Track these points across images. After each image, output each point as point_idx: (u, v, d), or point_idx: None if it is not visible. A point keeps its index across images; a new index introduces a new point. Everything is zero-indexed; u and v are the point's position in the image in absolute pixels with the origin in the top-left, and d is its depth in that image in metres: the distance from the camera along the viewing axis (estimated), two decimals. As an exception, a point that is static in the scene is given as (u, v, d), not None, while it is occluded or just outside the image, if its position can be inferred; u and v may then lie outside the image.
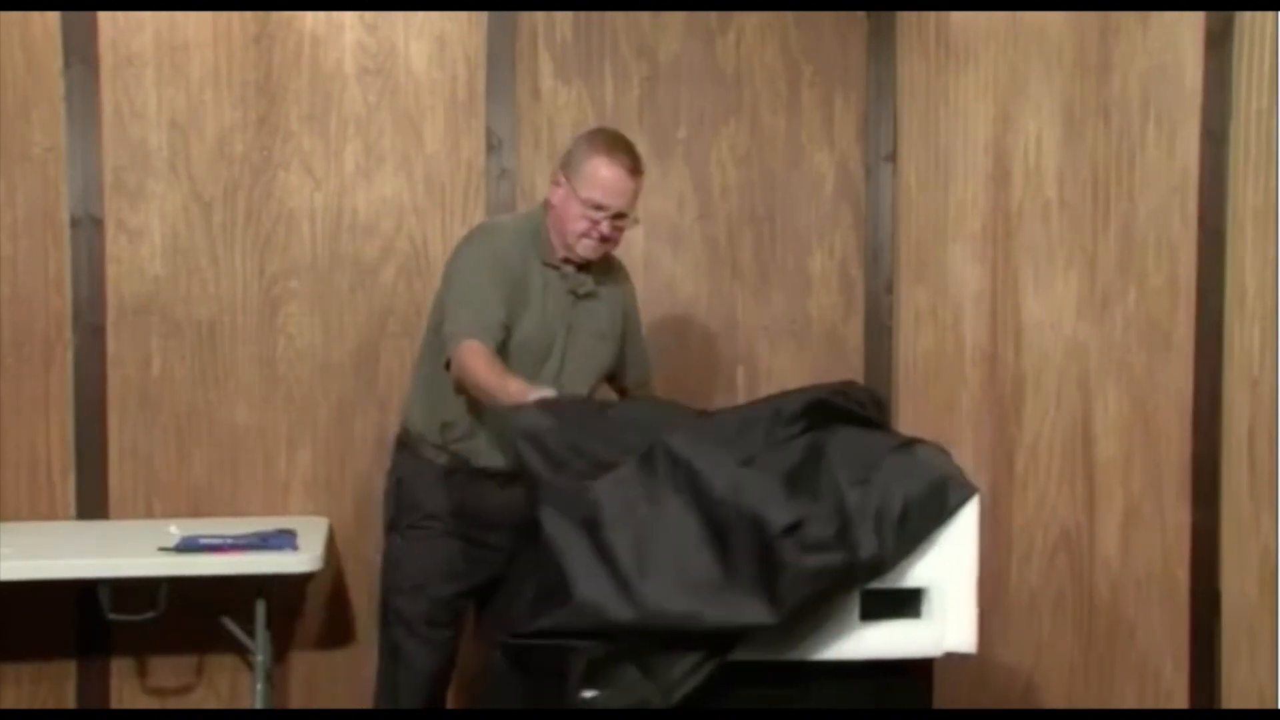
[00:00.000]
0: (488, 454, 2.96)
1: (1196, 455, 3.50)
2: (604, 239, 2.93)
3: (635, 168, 2.94)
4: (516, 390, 2.67)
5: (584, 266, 2.99)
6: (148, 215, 3.42)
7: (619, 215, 2.92)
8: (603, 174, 2.89)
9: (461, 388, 2.86)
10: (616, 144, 2.95)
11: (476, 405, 2.89)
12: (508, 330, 2.86)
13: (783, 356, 3.68)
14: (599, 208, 2.89)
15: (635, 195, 2.95)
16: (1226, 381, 3.45)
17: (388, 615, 3.04)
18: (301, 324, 3.49)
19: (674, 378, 3.65)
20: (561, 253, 2.96)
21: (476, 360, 2.75)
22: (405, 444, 3.08)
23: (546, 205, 2.99)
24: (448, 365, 2.84)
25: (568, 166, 2.94)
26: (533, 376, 2.83)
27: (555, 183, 2.96)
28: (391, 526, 3.06)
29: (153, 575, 3.01)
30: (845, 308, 3.72)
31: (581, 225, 2.90)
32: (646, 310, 3.62)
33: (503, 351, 2.83)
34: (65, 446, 3.41)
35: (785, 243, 3.70)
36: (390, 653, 3.03)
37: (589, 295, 3.01)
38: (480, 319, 2.82)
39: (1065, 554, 3.64)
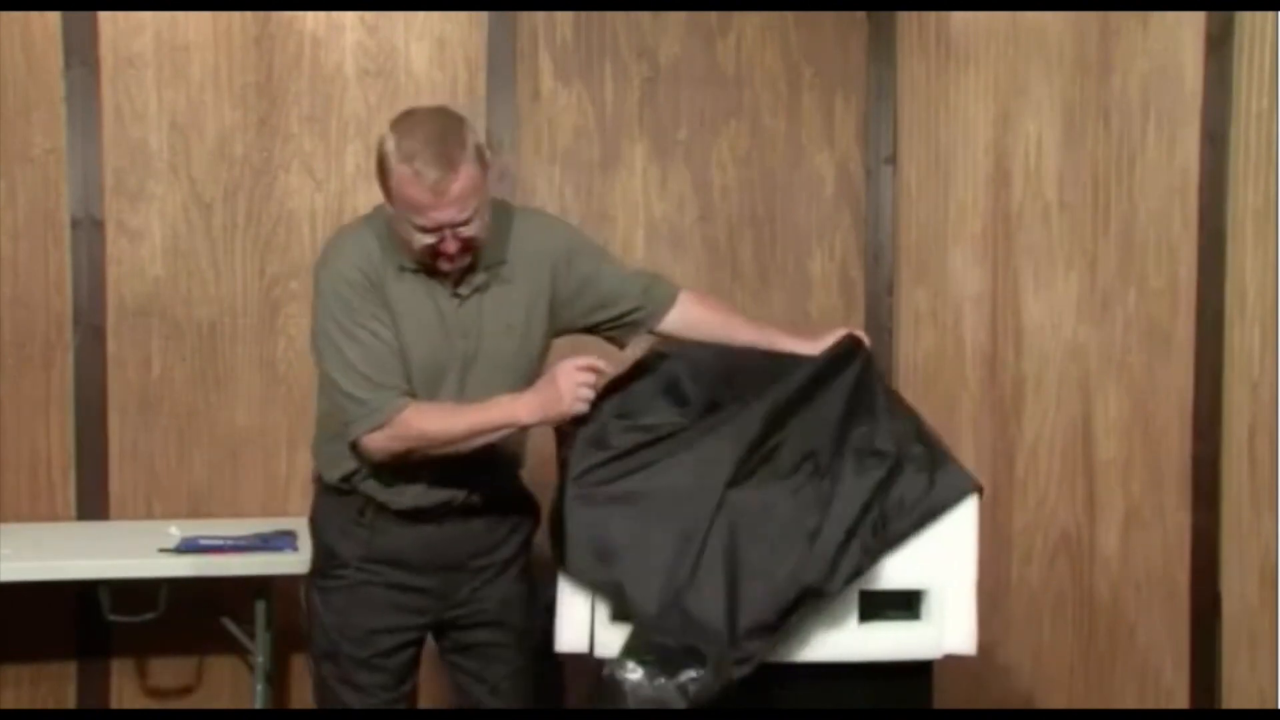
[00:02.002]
0: (397, 492, 2.51)
1: (1197, 456, 3.50)
2: (460, 253, 2.38)
3: (449, 169, 2.29)
4: (497, 415, 2.38)
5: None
6: (148, 216, 3.42)
7: (461, 223, 2.34)
8: (411, 194, 2.30)
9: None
10: (417, 146, 2.31)
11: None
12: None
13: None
14: (427, 230, 2.33)
15: (470, 194, 2.32)
16: (1227, 383, 3.45)
17: (315, 684, 2.64)
18: (302, 325, 3.48)
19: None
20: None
21: (414, 438, 2.38)
22: (317, 483, 2.64)
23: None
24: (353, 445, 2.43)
25: (380, 174, 2.35)
26: (431, 399, 2.46)
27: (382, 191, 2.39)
28: (306, 578, 2.67)
29: (153, 576, 3.00)
30: (845, 309, 3.72)
31: (420, 246, 2.36)
32: (647, 311, 3.64)
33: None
34: (65, 447, 3.41)
35: (785, 244, 3.70)
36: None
37: (481, 289, 2.48)
38: (378, 387, 2.38)
39: (1065, 555, 3.64)
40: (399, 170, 2.30)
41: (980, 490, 2.47)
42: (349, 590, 2.54)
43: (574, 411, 2.41)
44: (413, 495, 2.51)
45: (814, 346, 2.64)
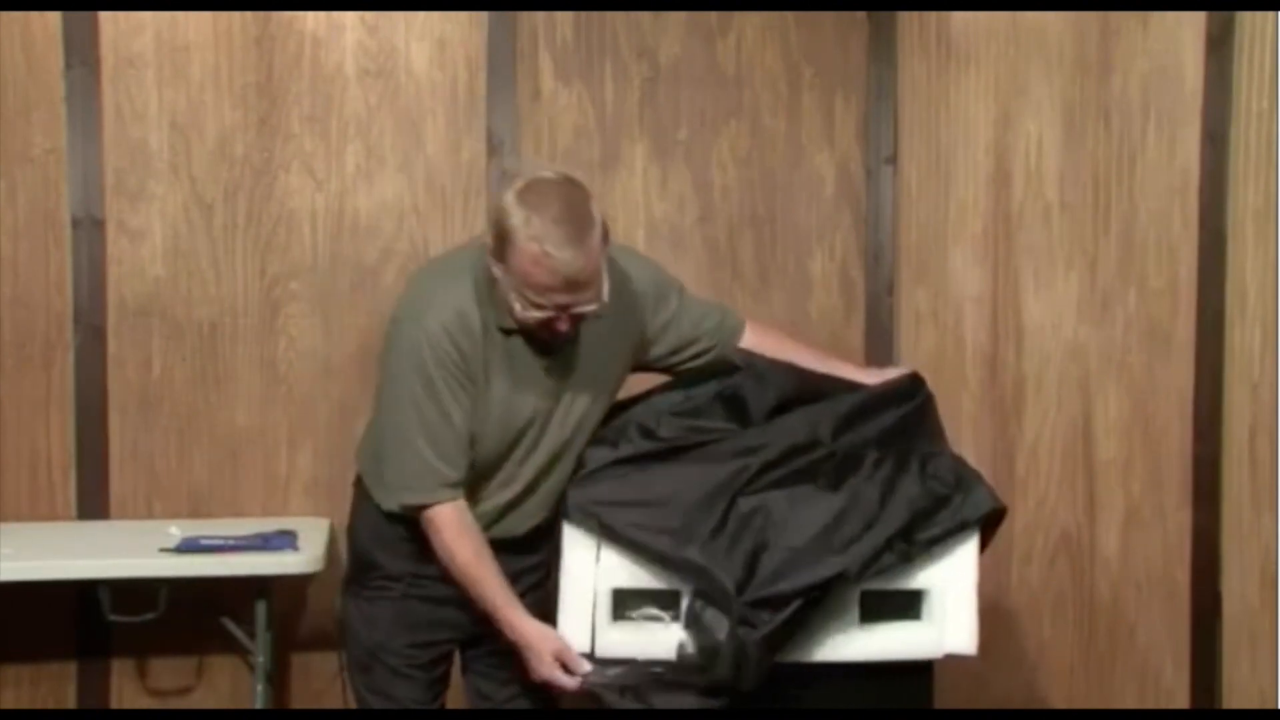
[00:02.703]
0: None
1: (1197, 456, 3.51)
2: (571, 329, 2.31)
3: (580, 254, 2.19)
4: (510, 617, 2.39)
5: None
6: (149, 216, 3.42)
7: (582, 303, 2.27)
8: (536, 275, 2.21)
9: None
10: (548, 226, 2.19)
11: None
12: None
13: (783, 358, 3.67)
14: (544, 308, 2.26)
15: (595, 276, 2.25)
16: (1227, 383, 3.45)
17: (355, 686, 2.64)
18: (302, 325, 3.49)
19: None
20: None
21: (444, 546, 2.37)
22: (358, 486, 2.63)
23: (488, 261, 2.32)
24: (406, 511, 2.42)
25: (496, 240, 2.25)
26: (501, 459, 2.43)
27: (489, 249, 2.28)
28: (343, 585, 2.65)
29: (153, 576, 3.00)
30: (846, 309, 3.72)
31: (530, 315, 2.27)
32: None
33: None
34: (66, 447, 3.41)
35: (785, 244, 3.69)
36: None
37: (571, 342, 2.40)
38: (437, 473, 2.35)
39: (1066, 555, 3.64)
40: (527, 248, 2.19)
41: (1004, 511, 2.55)
42: (395, 603, 2.54)
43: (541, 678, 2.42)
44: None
45: (876, 377, 2.70)
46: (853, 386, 2.67)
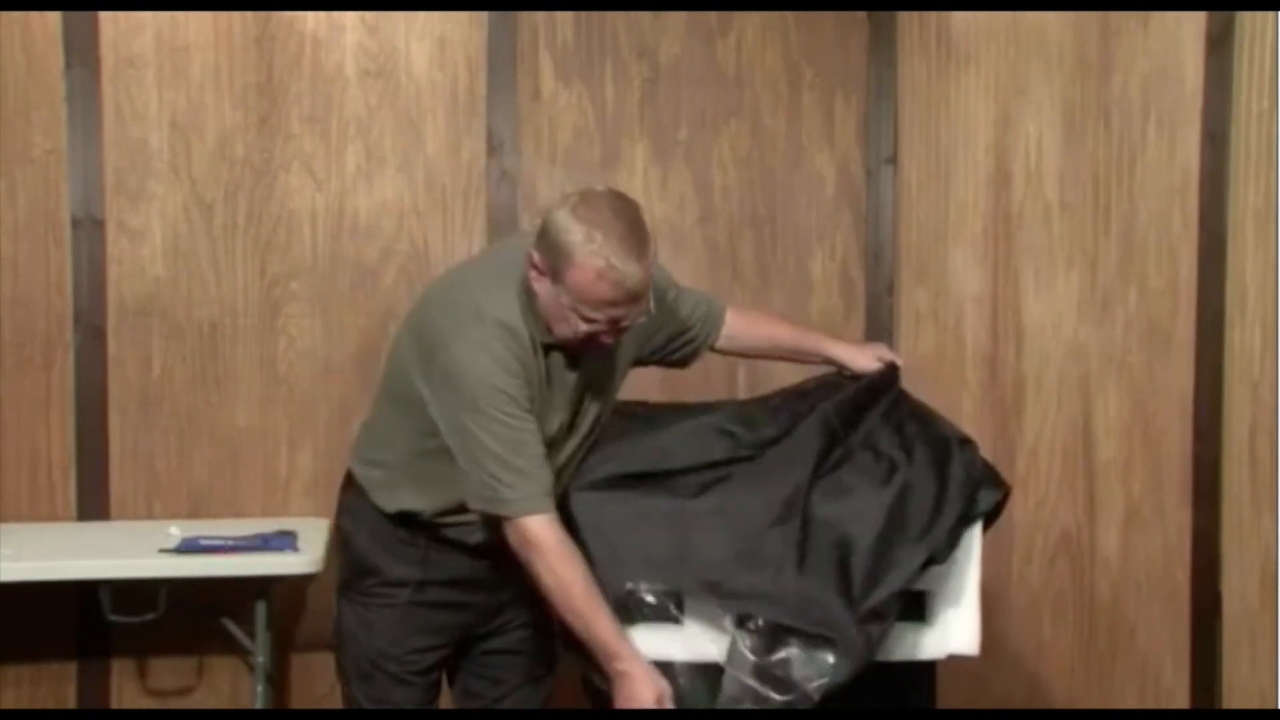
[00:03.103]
0: (466, 532, 2.44)
1: (1197, 456, 3.51)
2: (613, 341, 2.31)
3: (641, 270, 2.19)
4: (612, 638, 2.21)
5: None
6: (149, 216, 3.42)
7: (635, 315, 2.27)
8: (599, 290, 2.19)
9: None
10: (612, 243, 2.18)
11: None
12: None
13: (783, 358, 3.68)
14: (597, 322, 2.23)
15: (649, 291, 2.25)
16: (1227, 383, 3.46)
17: (352, 693, 2.58)
18: (302, 325, 3.49)
19: (675, 379, 3.65)
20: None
21: (548, 568, 2.24)
22: (349, 485, 2.54)
23: (528, 276, 2.29)
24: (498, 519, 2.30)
25: (550, 256, 2.21)
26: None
27: (534, 265, 2.24)
28: (339, 590, 2.57)
29: (153, 576, 3.00)
30: (846, 309, 3.72)
31: (577, 330, 2.25)
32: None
33: None
34: (66, 447, 3.41)
35: (786, 244, 3.70)
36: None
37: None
38: (535, 482, 2.25)
39: (1066, 555, 3.64)
40: (591, 263, 2.16)
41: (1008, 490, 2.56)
42: (399, 610, 2.48)
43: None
44: (485, 533, 2.41)
45: (857, 352, 2.70)
46: (833, 387, 2.66)
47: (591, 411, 2.44)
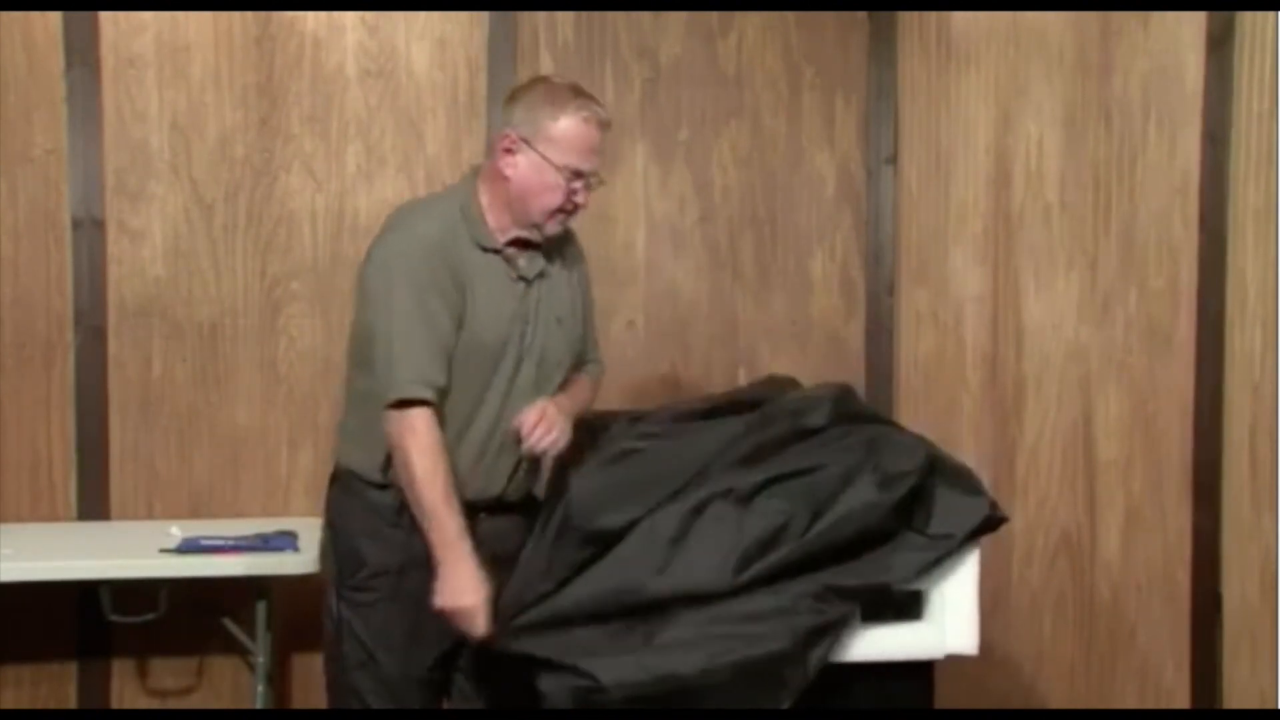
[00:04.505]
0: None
1: (1197, 457, 3.50)
2: (575, 209, 2.50)
3: (606, 115, 2.50)
4: (440, 540, 2.33)
5: (531, 245, 2.51)
6: (149, 217, 3.42)
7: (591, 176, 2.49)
8: (581, 132, 2.43)
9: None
10: (581, 91, 2.48)
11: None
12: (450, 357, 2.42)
13: (784, 358, 3.68)
14: (579, 174, 2.45)
15: None
16: (1227, 383, 3.45)
17: (340, 693, 2.55)
18: (303, 325, 3.49)
19: (675, 380, 3.66)
20: (510, 234, 2.48)
21: (414, 449, 2.34)
22: (337, 480, 2.58)
23: (489, 179, 2.49)
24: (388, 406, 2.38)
25: (527, 127, 2.43)
26: (485, 386, 2.45)
27: (508, 149, 2.44)
28: (332, 586, 2.55)
29: (154, 576, 3.00)
30: (846, 310, 3.72)
31: (557, 198, 2.44)
32: (648, 313, 3.64)
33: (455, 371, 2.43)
34: (66, 448, 3.41)
35: (786, 245, 3.70)
36: None
37: (541, 277, 2.53)
38: (424, 368, 2.36)
39: (1066, 556, 3.64)
40: (569, 113, 2.41)
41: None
42: (386, 603, 2.48)
43: (448, 615, 2.38)
44: (460, 489, 2.42)
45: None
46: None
47: (549, 338, 2.53)
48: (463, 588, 2.35)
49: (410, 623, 2.47)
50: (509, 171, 2.44)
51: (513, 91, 2.57)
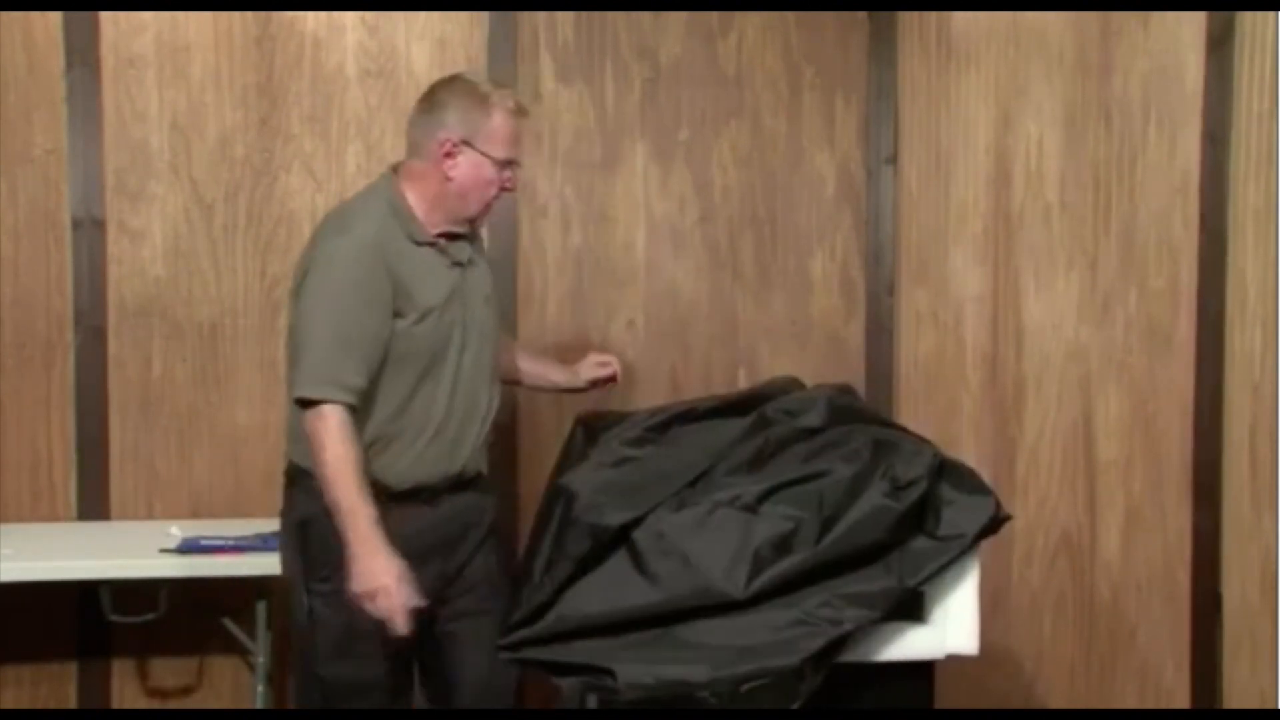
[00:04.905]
0: (404, 469, 2.55)
1: (1198, 457, 3.50)
2: (504, 194, 2.67)
3: (523, 99, 2.73)
4: (352, 523, 2.40)
5: (458, 235, 2.64)
6: (149, 217, 3.42)
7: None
8: (511, 125, 2.59)
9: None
10: (499, 84, 2.68)
11: (373, 417, 2.52)
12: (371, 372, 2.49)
13: (784, 358, 3.68)
14: (511, 163, 2.61)
15: None
16: (1228, 383, 3.45)
17: (310, 690, 2.61)
18: (303, 325, 3.49)
19: (675, 379, 3.66)
20: (440, 228, 2.59)
21: (329, 443, 2.42)
22: (296, 480, 2.61)
23: (416, 179, 2.59)
24: (299, 403, 2.47)
25: (464, 128, 2.55)
26: (440, 366, 2.56)
27: (449, 154, 2.55)
28: (299, 584, 2.60)
29: (154, 576, 3.00)
30: (846, 310, 3.72)
31: (494, 190, 2.60)
32: (648, 313, 3.64)
33: (403, 361, 2.52)
34: (66, 448, 3.41)
35: (786, 245, 3.70)
36: None
37: (470, 262, 2.65)
38: (339, 373, 2.44)
39: (1066, 556, 3.64)
40: (498, 111, 2.56)
41: None
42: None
43: (364, 597, 2.43)
44: (416, 473, 2.55)
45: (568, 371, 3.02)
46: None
47: (486, 318, 2.67)
48: (376, 570, 2.40)
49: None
50: (452, 174, 2.57)
51: (433, 95, 2.63)
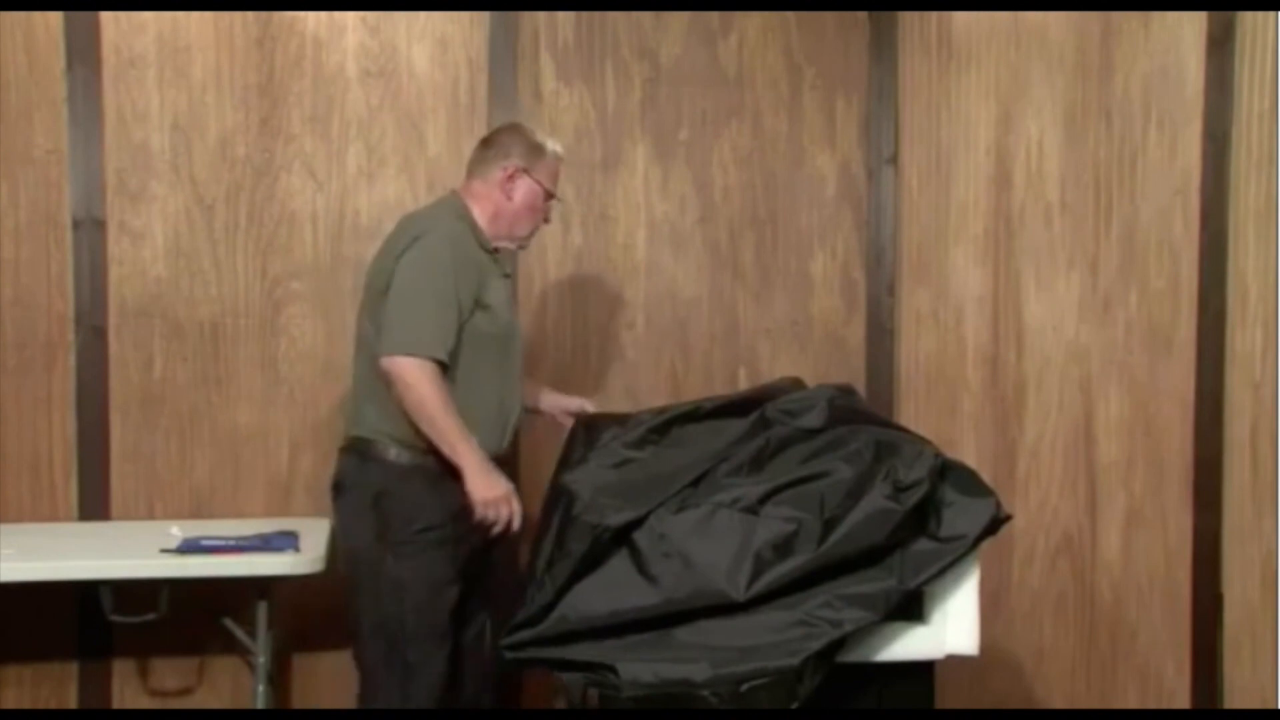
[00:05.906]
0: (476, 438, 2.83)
1: (1198, 458, 3.50)
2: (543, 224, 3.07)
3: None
4: (466, 451, 2.76)
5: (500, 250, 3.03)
6: (150, 217, 3.42)
7: None
8: (557, 167, 3.03)
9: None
10: (549, 136, 3.08)
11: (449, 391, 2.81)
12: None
13: (784, 358, 3.68)
14: (553, 197, 3.02)
15: None
16: (1228, 384, 3.45)
17: (394, 637, 2.84)
18: (304, 325, 3.49)
19: (675, 379, 3.66)
20: (498, 242, 2.98)
21: (434, 390, 2.75)
22: (365, 453, 2.89)
23: (479, 198, 2.96)
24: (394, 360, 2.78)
25: (528, 158, 2.97)
26: (503, 357, 2.92)
27: (511, 177, 2.95)
28: (380, 544, 2.84)
29: (154, 576, 3.00)
30: (847, 310, 3.72)
31: (539, 217, 3.01)
32: (648, 313, 3.64)
33: (477, 345, 2.85)
34: (67, 448, 3.41)
35: (787, 245, 3.70)
36: (402, 671, 2.84)
37: (511, 274, 3.12)
38: (440, 336, 2.78)
39: (1067, 556, 3.64)
40: (551, 150, 2.99)
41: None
42: (431, 552, 2.81)
43: (490, 504, 2.81)
44: (490, 436, 2.87)
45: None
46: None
47: (519, 329, 3.07)
48: (494, 481, 2.80)
49: (450, 568, 2.84)
50: (513, 195, 2.97)
51: (496, 135, 3.03)
